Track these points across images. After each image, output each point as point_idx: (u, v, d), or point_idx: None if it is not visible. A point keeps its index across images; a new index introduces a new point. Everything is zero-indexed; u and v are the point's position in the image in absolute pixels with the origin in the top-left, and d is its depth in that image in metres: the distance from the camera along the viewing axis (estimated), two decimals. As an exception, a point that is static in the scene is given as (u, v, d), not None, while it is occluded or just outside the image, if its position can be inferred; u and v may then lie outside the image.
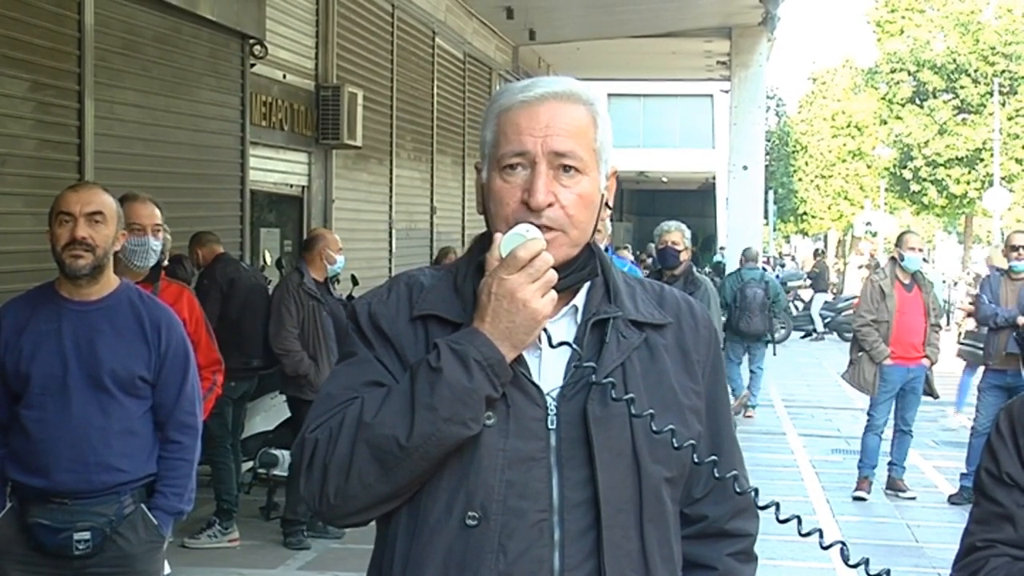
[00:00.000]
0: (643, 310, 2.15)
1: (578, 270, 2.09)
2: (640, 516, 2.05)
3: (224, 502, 8.27)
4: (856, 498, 10.02)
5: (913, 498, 10.11)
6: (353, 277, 10.75)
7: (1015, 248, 9.89)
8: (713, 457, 2.09)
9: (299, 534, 8.17)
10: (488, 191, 2.09)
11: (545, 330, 2.02)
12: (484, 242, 2.11)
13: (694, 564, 2.20)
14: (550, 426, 2.02)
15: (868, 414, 10.19)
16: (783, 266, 41.24)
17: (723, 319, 14.71)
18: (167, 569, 4.51)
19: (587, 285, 2.13)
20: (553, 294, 1.99)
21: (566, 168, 2.04)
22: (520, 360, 2.02)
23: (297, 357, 8.15)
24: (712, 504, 2.21)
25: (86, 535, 4.02)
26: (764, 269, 16.21)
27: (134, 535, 4.11)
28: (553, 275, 1.98)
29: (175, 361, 4.22)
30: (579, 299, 2.12)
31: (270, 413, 9.07)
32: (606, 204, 2.15)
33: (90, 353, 4.05)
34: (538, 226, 2.01)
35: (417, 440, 1.94)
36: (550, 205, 2.02)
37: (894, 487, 10.22)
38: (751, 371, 15.21)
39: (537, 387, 2.03)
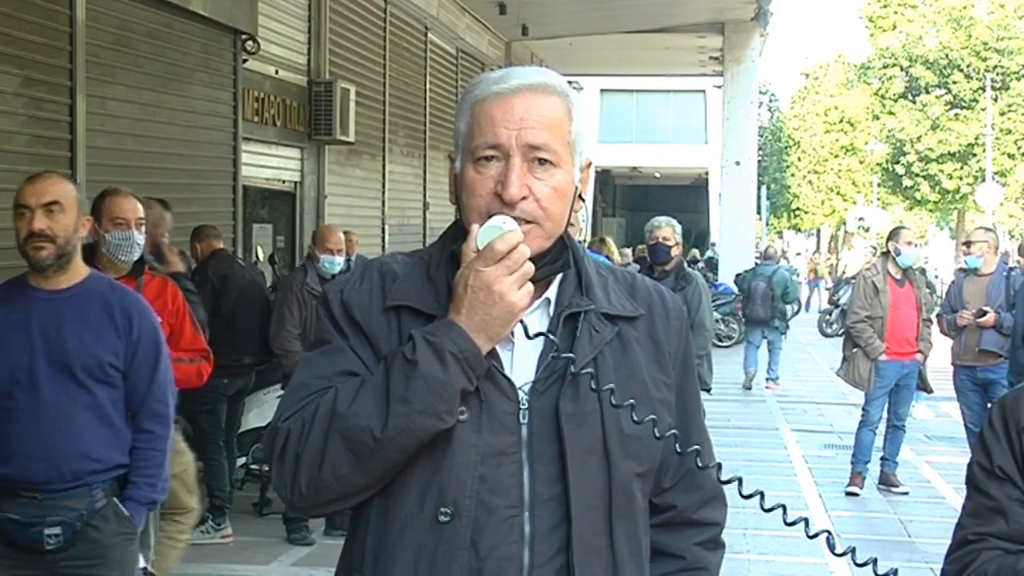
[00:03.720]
0: (615, 302, 2.14)
1: (551, 262, 2.08)
2: (609, 512, 2.05)
3: (216, 498, 8.25)
4: (849, 493, 10.03)
5: (906, 493, 10.12)
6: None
7: (969, 244, 9.93)
8: (696, 447, 2.09)
9: (302, 530, 8.15)
10: (461, 182, 2.08)
11: (522, 322, 2.02)
12: (457, 231, 2.10)
13: (662, 553, 2.20)
14: (522, 420, 2.01)
15: (863, 410, 10.19)
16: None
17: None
18: (141, 562, 4.50)
19: (559, 278, 2.12)
20: (529, 287, 1.99)
21: (541, 161, 2.03)
22: (493, 354, 2.01)
23: (296, 357, 8.12)
24: (681, 494, 2.21)
25: (56, 530, 3.99)
26: (779, 265, 18.83)
27: (106, 527, 4.09)
28: (530, 267, 1.97)
29: (147, 348, 4.19)
30: (551, 292, 2.11)
31: (264, 409, 9.06)
32: (580, 197, 2.13)
33: (58, 341, 4.02)
34: (512, 218, 2.00)
35: (391, 432, 1.93)
36: (524, 198, 2.02)
37: (887, 482, 10.23)
38: (769, 350, 17.64)
39: (509, 381, 2.03)
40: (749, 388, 17.29)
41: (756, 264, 18.74)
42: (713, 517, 2.25)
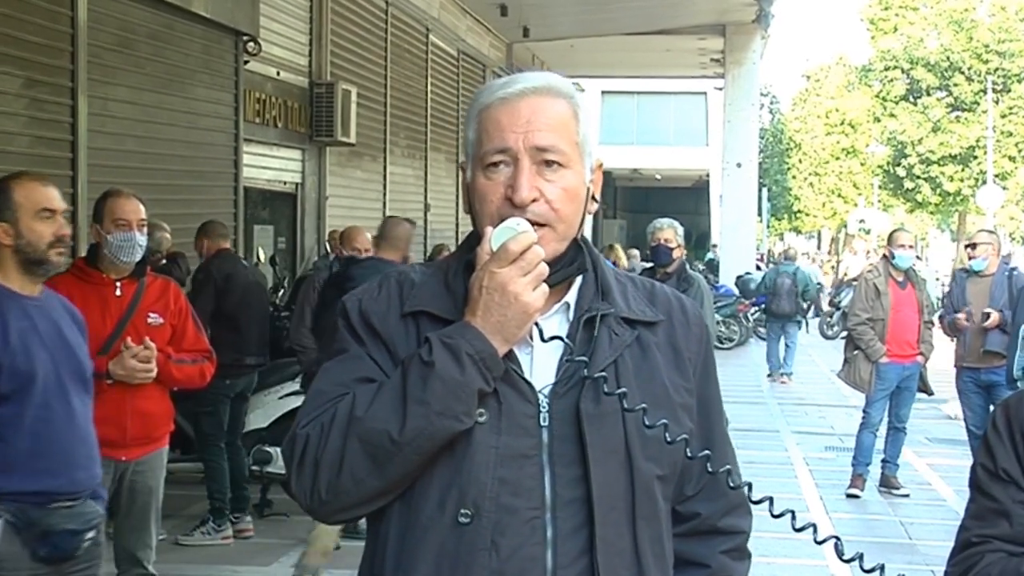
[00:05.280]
0: (635, 307, 2.14)
1: (567, 264, 2.08)
2: (633, 514, 2.04)
3: (216, 500, 8.22)
4: (850, 495, 10.02)
5: (907, 495, 10.11)
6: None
7: (974, 246, 9.90)
8: (706, 452, 2.08)
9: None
10: (473, 190, 2.09)
11: (537, 324, 2.02)
12: (473, 240, 2.10)
13: (687, 562, 2.19)
14: (542, 423, 2.01)
15: (864, 412, 10.18)
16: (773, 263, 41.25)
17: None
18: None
19: (579, 282, 2.12)
20: (544, 287, 1.98)
21: (549, 163, 2.04)
22: (512, 357, 2.01)
23: (312, 355, 8.05)
24: (704, 501, 2.20)
25: (92, 534, 4.00)
26: (799, 265, 20.02)
27: (101, 526, 4.14)
28: (544, 268, 1.97)
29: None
30: (571, 296, 2.11)
31: (266, 410, 9.03)
32: (593, 197, 2.14)
33: (64, 347, 3.97)
34: (525, 221, 2.00)
35: (409, 434, 1.93)
36: (535, 200, 2.02)
37: (888, 484, 10.22)
38: (786, 345, 18.62)
39: (529, 384, 2.02)
40: (784, 382, 18.42)
41: (779, 264, 19.89)
42: (738, 525, 2.23)
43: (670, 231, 8.32)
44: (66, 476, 3.92)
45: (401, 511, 2.02)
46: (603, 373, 2.02)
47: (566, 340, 2.04)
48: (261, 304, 8.57)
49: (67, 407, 3.93)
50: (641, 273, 8.97)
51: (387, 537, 2.04)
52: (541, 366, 2.06)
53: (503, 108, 2.06)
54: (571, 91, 2.12)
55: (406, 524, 2.02)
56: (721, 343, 21.52)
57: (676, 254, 8.30)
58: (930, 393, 10.58)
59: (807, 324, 19.97)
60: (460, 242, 2.19)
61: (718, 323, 20.74)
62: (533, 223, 2.00)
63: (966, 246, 10.11)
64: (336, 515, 2.06)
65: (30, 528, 3.88)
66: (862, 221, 46.94)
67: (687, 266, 8.54)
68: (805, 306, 19.10)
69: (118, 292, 5.21)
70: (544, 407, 2.02)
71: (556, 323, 2.08)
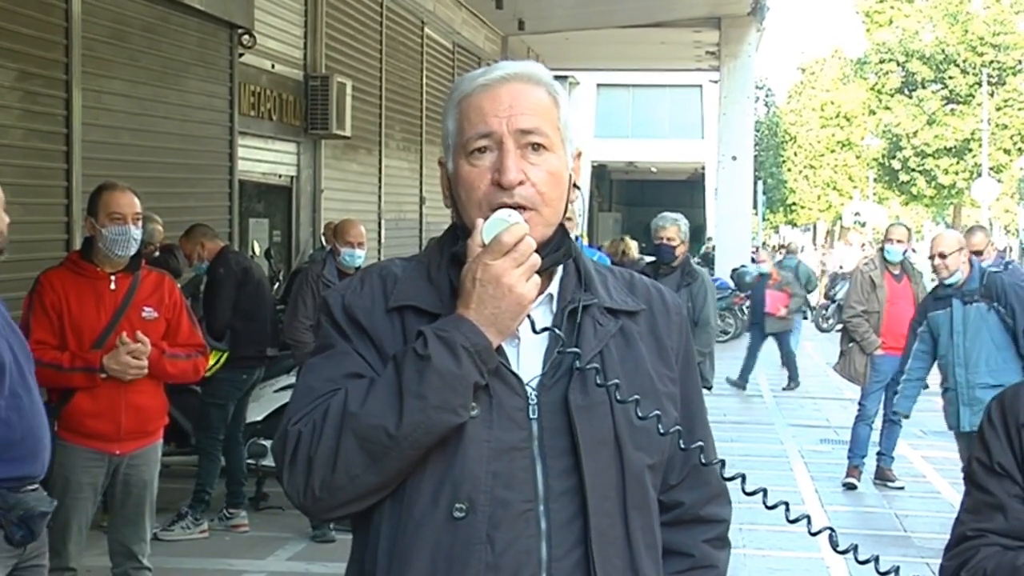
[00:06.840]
0: (617, 297, 2.15)
1: (554, 251, 2.08)
2: (624, 503, 2.05)
3: (205, 493, 8.20)
4: (845, 488, 10.03)
5: (901, 488, 10.12)
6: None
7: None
8: (700, 443, 2.08)
9: (324, 526, 8.08)
10: (456, 179, 2.08)
11: (529, 316, 2.02)
12: (455, 233, 2.10)
13: (670, 551, 2.19)
14: (531, 416, 2.01)
15: (859, 404, 10.19)
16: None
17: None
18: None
19: (560, 273, 2.12)
20: (537, 279, 1.98)
21: (534, 147, 2.04)
22: (499, 350, 2.01)
23: (307, 349, 8.02)
24: (688, 490, 2.20)
25: (48, 517, 4.06)
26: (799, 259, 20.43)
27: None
28: (537, 259, 1.97)
29: None
30: (553, 287, 2.11)
31: (261, 403, 9.03)
32: (575, 185, 2.14)
33: (13, 332, 4.00)
34: (511, 206, 2.00)
35: (407, 429, 1.92)
36: (521, 183, 2.02)
37: (883, 477, 10.23)
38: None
39: (517, 377, 2.02)
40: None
41: (783, 258, 20.37)
42: (720, 514, 2.24)
43: (673, 228, 8.26)
44: (38, 460, 3.99)
45: (392, 508, 2.01)
46: (595, 365, 2.02)
47: (558, 332, 2.04)
48: (270, 297, 8.59)
49: (29, 393, 3.97)
50: (644, 267, 8.97)
51: (378, 535, 2.03)
52: (527, 359, 2.06)
53: (484, 95, 2.06)
54: (550, 79, 2.13)
55: (398, 521, 2.01)
56: (717, 336, 21.57)
57: (680, 251, 8.28)
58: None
59: (810, 313, 20.66)
60: (441, 234, 2.18)
61: (715, 317, 20.83)
62: (520, 207, 2.00)
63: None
64: (330, 512, 2.04)
65: (10, 512, 3.92)
66: (857, 214, 47.02)
67: (690, 260, 8.53)
68: (811, 299, 19.54)
69: (112, 286, 5.21)
70: (532, 399, 2.02)
71: (540, 314, 2.08)
